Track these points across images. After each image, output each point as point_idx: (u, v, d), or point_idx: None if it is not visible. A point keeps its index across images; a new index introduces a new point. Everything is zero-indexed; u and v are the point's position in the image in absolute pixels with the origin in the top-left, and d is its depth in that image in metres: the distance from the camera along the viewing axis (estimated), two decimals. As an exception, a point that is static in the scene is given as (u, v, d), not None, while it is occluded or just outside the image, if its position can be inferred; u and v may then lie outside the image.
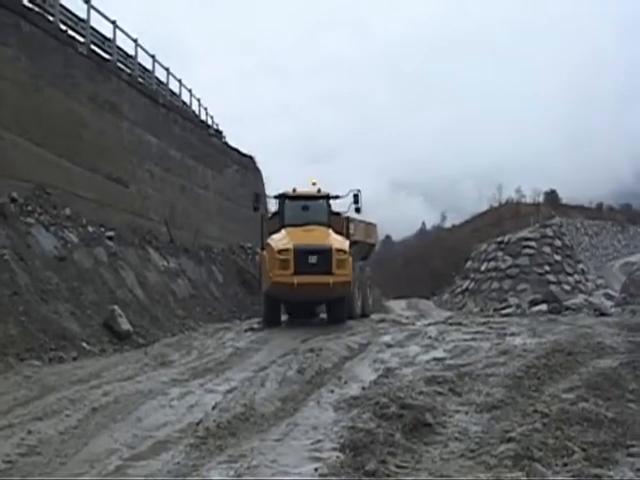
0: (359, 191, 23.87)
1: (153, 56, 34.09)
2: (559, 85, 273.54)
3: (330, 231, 23.24)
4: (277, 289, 21.73)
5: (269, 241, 22.52)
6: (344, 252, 21.75)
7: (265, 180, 49.58)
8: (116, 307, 18.19)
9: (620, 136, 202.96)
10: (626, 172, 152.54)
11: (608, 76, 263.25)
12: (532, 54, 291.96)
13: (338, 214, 24.71)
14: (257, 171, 49.13)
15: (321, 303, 24.73)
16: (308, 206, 24.42)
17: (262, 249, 24.00)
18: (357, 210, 24.24)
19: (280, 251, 21.46)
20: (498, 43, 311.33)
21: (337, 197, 24.60)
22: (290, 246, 21.54)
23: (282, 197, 24.50)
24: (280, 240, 22.27)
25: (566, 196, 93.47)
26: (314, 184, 24.53)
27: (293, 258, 21.27)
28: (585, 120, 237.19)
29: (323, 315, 25.20)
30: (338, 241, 22.35)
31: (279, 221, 24.06)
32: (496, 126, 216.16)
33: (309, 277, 21.21)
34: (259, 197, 24.71)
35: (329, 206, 24.52)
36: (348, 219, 24.78)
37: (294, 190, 24.54)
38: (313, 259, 21.44)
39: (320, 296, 23.11)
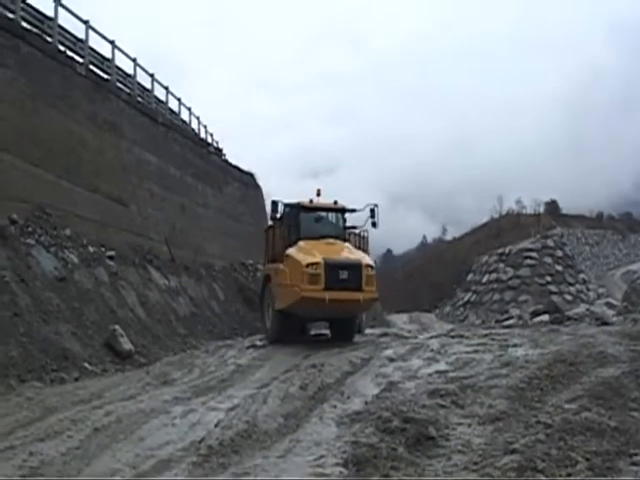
0: (376, 206, 22.90)
1: (152, 75, 34.20)
2: (556, 95, 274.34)
3: (351, 246, 22.85)
4: (304, 305, 20.56)
5: (291, 254, 21.42)
6: (372, 268, 21.31)
7: (265, 196, 49.69)
8: (117, 327, 18.17)
9: (619, 145, 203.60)
10: (626, 181, 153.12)
11: (605, 85, 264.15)
12: (528, 65, 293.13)
13: (354, 228, 24.17)
14: (257, 188, 49.22)
15: (337, 320, 23.39)
16: (324, 218, 23.43)
17: (272, 261, 23.38)
18: (374, 225, 23.21)
19: (309, 265, 20.46)
20: (494, 55, 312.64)
21: (354, 210, 23.60)
22: (320, 260, 20.59)
23: (297, 208, 22.93)
24: (305, 253, 21.30)
25: (566, 206, 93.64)
26: (319, 194, 23.35)
27: (324, 273, 20.35)
28: (583, 129, 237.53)
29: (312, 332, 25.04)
30: (365, 257, 21.92)
31: (291, 233, 22.74)
32: (494, 138, 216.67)
33: (340, 293, 20.49)
34: (277, 205, 22.88)
35: (345, 220, 23.70)
36: (366, 234, 24.53)
37: (311, 201, 23.22)
38: (344, 274, 20.66)
39: (345, 312, 22.48)
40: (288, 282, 20.71)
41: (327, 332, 24.18)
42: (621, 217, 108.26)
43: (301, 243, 21.82)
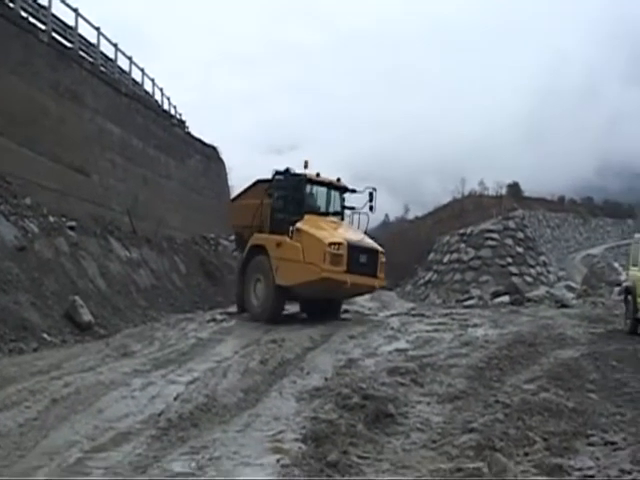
0: (374, 189, 22.10)
1: (115, 45, 33.78)
2: (521, 79, 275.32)
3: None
4: (321, 285, 19.85)
5: (305, 229, 20.38)
6: (384, 254, 21.11)
7: (228, 170, 49.51)
8: (77, 298, 18.01)
9: (581, 130, 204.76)
10: (587, 166, 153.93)
11: (569, 71, 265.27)
12: (494, 48, 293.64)
13: (353, 208, 22.96)
14: (220, 161, 48.99)
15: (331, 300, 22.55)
16: (328, 194, 22.66)
17: (264, 231, 21.69)
18: (371, 208, 22.35)
19: (332, 244, 19.81)
20: (461, 37, 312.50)
21: (354, 191, 22.92)
22: (342, 240, 20.06)
23: (302, 179, 21.67)
24: (322, 230, 20.62)
25: (528, 189, 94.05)
26: (306, 166, 21.80)
27: (347, 255, 19.84)
28: (547, 115, 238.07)
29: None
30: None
31: (290, 205, 21.53)
32: (458, 121, 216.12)
33: (359, 277, 20.18)
34: (284, 173, 21.75)
35: (343, 199, 23.11)
36: (367, 217, 23.08)
37: (318, 174, 22.16)
38: (363, 259, 20.37)
39: (350, 296, 22.54)
40: (301, 259, 19.92)
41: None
42: (583, 201, 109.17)
43: (308, 217, 20.99)
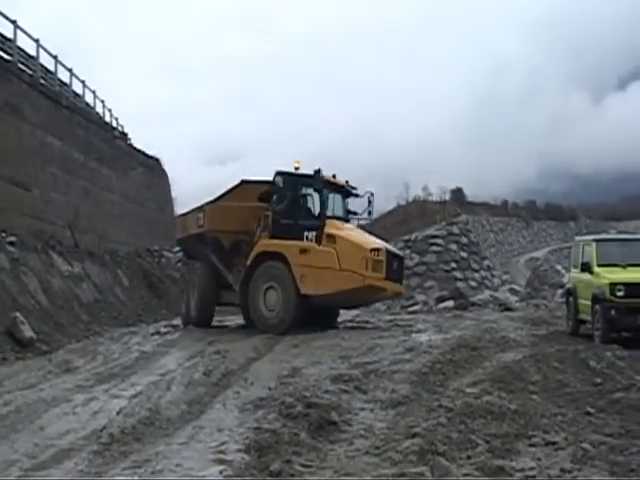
0: (372, 194, 21.78)
1: (55, 57, 33.52)
2: (463, 83, 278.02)
3: None
4: (362, 293, 19.44)
5: (340, 235, 19.67)
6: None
7: (171, 182, 49.29)
8: (18, 314, 17.74)
9: (523, 134, 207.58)
10: (528, 169, 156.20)
11: (509, 75, 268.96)
12: (435, 53, 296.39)
13: (355, 214, 22.31)
14: (163, 173, 48.78)
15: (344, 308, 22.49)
16: (340, 197, 21.69)
17: (255, 237, 20.78)
18: (369, 213, 22.07)
19: (373, 250, 19.29)
20: (401, 43, 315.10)
21: (357, 195, 22.08)
22: (381, 246, 19.66)
23: (320, 181, 20.35)
24: (357, 236, 20.20)
25: (472, 194, 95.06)
26: (297, 168, 21.00)
27: (386, 261, 19.37)
28: (487, 119, 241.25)
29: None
30: None
31: (305, 208, 20.79)
32: (401, 125, 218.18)
33: (393, 284, 19.95)
34: (284, 176, 20.59)
35: (347, 203, 22.21)
36: (369, 222, 23.17)
37: (334, 176, 21.30)
38: (395, 265, 20.03)
39: (374, 302, 22.49)
40: (336, 266, 19.18)
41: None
42: (525, 205, 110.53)
43: (331, 222, 20.15)
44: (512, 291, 36.98)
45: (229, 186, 21.72)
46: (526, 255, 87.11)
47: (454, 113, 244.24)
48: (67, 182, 30.52)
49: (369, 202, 21.58)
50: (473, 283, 45.72)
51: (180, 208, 45.16)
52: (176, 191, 50.18)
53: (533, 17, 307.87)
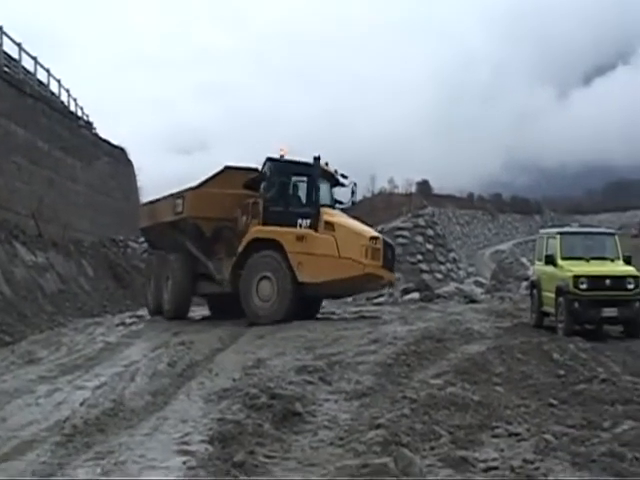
0: (355, 184, 21.61)
1: (19, 44, 33.07)
2: (428, 78, 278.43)
3: None
4: (361, 281, 19.46)
5: (339, 222, 19.50)
6: None
7: (137, 172, 48.99)
8: (-20, 304, 17.65)
9: (488, 129, 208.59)
10: (494, 162, 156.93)
11: (475, 68, 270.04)
12: (403, 46, 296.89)
13: (341, 203, 21.78)
14: (129, 163, 48.47)
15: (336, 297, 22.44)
16: (327, 186, 21.22)
17: (241, 224, 20.46)
18: (353, 203, 21.89)
19: (372, 238, 19.17)
20: (370, 35, 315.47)
21: (343, 185, 21.67)
22: (378, 235, 19.69)
23: (314, 170, 20.06)
24: (353, 224, 20.01)
25: (438, 186, 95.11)
26: (282, 155, 20.46)
27: (383, 249, 19.31)
28: (454, 112, 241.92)
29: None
30: None
31: (294, 197, 20.25)
32: (366, 117, 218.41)
33: (388, 273, 19.93)
34: (276, 162, 20.18)
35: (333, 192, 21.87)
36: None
37: (327, 164, 20.80)
38: (389, 253, 19.96)
39: (366, 290, 22.44)
40: (336, 254, 18.89)
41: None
42: (491, 198, 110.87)
43: (326, 210, 19.89)
44: (477, 283, 37.15)
45: (212, 172, 21.23)
46: (491, 248, 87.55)
47: (421, 106, 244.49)
48: (31, 171, 30.19)
49: (352, 192, 21.43)
50: (439, 275, 45.98)
51: (146, 198, 44.85)
52: (142, 181, 49.94)
53: (500, 11, 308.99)
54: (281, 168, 20.24)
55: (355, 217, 21.36)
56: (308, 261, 18.99)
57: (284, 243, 19.21)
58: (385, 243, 19.87)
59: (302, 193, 20.43)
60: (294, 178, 20.28)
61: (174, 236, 21.73)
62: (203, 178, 21.20)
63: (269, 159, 20.39)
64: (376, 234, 19.77)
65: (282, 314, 18.85)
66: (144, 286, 24.59)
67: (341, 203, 21.73)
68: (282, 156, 20.46)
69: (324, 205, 20.27)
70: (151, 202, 24.73)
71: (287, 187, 20.09)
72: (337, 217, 19.94)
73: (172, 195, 22.07)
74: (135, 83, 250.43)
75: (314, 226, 19.35)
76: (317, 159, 19.98)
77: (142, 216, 25.39)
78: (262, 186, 20.34)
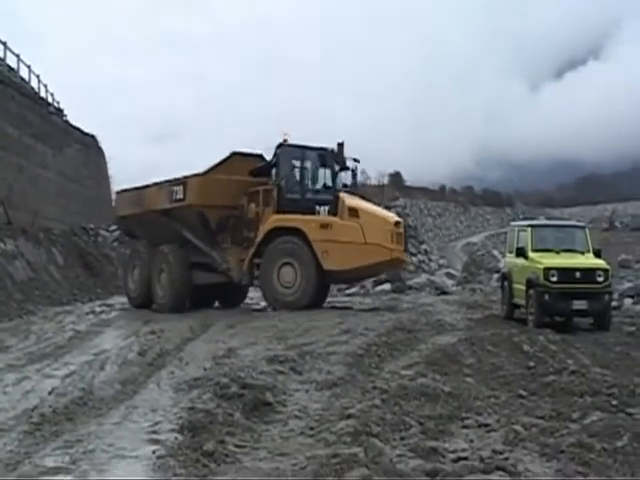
0: (357, 163, 20.85)
1: (-13, 30, 32.79)
2: (402, 71, 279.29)
3: None
4: (386, 266, 19.94)
5: (364, 208, 19.60)
6: None
7: (108, 159, 48.62)
8: (-52, 292, 17.49)
9: (461, 122, 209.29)
10: (467, 155, 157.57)
11: (448, 64, 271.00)
12: (377, 41, 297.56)
13: (346, 186, 21.08)
14: (100, 150, 48.08)
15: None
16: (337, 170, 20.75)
17: (251, 211, 20.22)
18: (355, 184, 21.52)
19: (397, 223, 19.27)
20: (344, 28, 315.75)
21: (348, 168, 20.91)
22: (400, 219, 19.83)
23: (335, 154, 20.08)
24: (379, 210, 20.40)
25: (410, 178, 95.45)
26: (285, 140, 20.09)
27: (404, 234, 19.60)
28: (428, 106, 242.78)
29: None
30: None
31: (312, 183, 20.17)
32: (340, 110, 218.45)
33: (406, 256, 20.37)
34: (288, 148, 19.92)
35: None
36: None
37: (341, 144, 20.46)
38: (402, 238, 19.75)
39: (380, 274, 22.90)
40: (362, 240, 18.75)
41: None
42: (463, 191, 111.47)
43: (345, 196, 19.74)
44: (449, 275, 37.20)
45: (219, 159, 20.74)
46: (463, 240, 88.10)
47: (394, 98, 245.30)
48: (0, 158, 29.91)
49: (354, 173, 21.02)
50: (410, 267, 46.08)
51: (117, 186, 44.52)
52: (113, 169, 49.51)
53: (474, 4, 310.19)
54: (295, 154, 20.09)
55: (363, 197, 21.51)
56: (334, 249, 18.88)
57: (307, 231, 19.08)
58: (404, 227, 20.03)
59: (318, 179, 20.25)
60: (309, 164, 20.13)
61: (167, 224, 21.21)
62: (210, 164, 20.73)
63: (281, 145, 20.04)
64: (398, 219, 19.89)
65: (306, 300, 18.97)
66: (124, 275, 23.66)
67: (347, 186, 21.13)
68: (285, 141, 20.08)
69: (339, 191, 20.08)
70: (135, 189, 23.66)
71: (302, 173, 20.05)
72: (359, 202, 19.83)
73: (167, 182, 21.51)
74: (104, 68, 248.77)
75: (333, 212, 19.31)
76: (341, 145, 19.93)
77: (121, 203, 24.57)
78: (274, 173, 20.12)
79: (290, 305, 18.64)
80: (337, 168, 20.28)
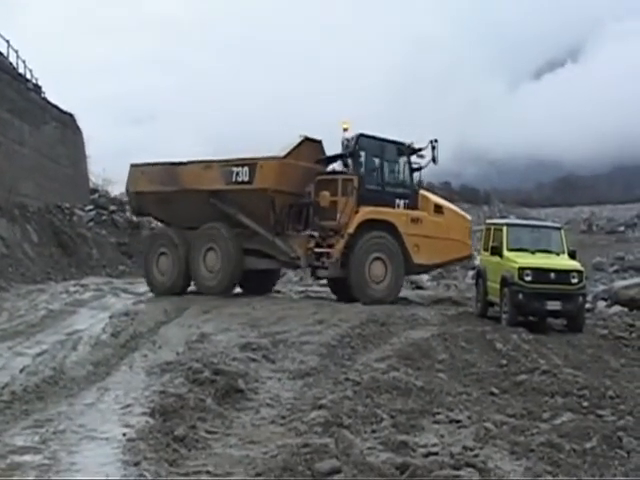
0: (436, 141, 19.96)
1: (-31, 4, 32.45)
2: (383, 66, 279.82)
3: None
4: (464, 260, 21.01)
5: (446, 205, 20.11)
6: None
7: (86, 139, 48.21)
8: None
9: (439, 117, 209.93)
10: (445, 152, 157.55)
11: (428, 60, 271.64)
12: (361, 29, 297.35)
13: (420, 167, 20.63)
14: (78, 130, 47.67)
15: None
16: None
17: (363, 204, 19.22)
18: (434, 160, 20.22)
19: (470, 220, 20.30)
20: (327, 15, 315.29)
21: (421, 169, 20.60)
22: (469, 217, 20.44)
23: (415, 150, 19.97)
24: (456, 208, 20.83)
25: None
26: (346, 129, 19.77)
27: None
28: (407, 100, 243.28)
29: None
30: None
31: (394, 177, 20.11)
32: (320, 99, 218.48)
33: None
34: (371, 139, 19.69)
35: None
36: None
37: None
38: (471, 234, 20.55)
39: None
40: (447, 236, 19.18)
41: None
42: (440, 186, 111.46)
43: (426, 192, 20.21)
44: (423, 270, 37.29)
45: (293, 142, 20.10)
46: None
47: (374, 91, 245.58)
48: (-24, 132, 29.65)
49: (433, 148, 19.92)
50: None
51: (94, 166, 44.30)
52: (90, 149, 49.07)
53: (454, 4, 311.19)
54: (374, 146, 19.83)
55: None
56: (424, 244, 19.03)
57: (398, 225, 19.04)
58: None
59: (396, 172, 20.22)
60: (387, 156, 19.96)
61: (209, 206, 20.12)
62: (284, 148, 20.02)
63: (362, 135, 19.62)
64: (469, 216, 20.51)
65: (395, 295, 19.14)
66: (146, 265, 21.50)
67: (420, 169, 20.49)
68: (345, 129, 19.80)
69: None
70: (162, 164, 21.94)
71: (381, 165, 19.89)
72: (441, 200, 20.37)
73: (222, 161, 20.50)
74: (84, 48, 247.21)
75: (412, 207, 19.42)
76: (435, 141, 19.87)
77: (140, 179, 22.17)
78: (350, 163, 19.74)
79: (379, 301, 18.31)
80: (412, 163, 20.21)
